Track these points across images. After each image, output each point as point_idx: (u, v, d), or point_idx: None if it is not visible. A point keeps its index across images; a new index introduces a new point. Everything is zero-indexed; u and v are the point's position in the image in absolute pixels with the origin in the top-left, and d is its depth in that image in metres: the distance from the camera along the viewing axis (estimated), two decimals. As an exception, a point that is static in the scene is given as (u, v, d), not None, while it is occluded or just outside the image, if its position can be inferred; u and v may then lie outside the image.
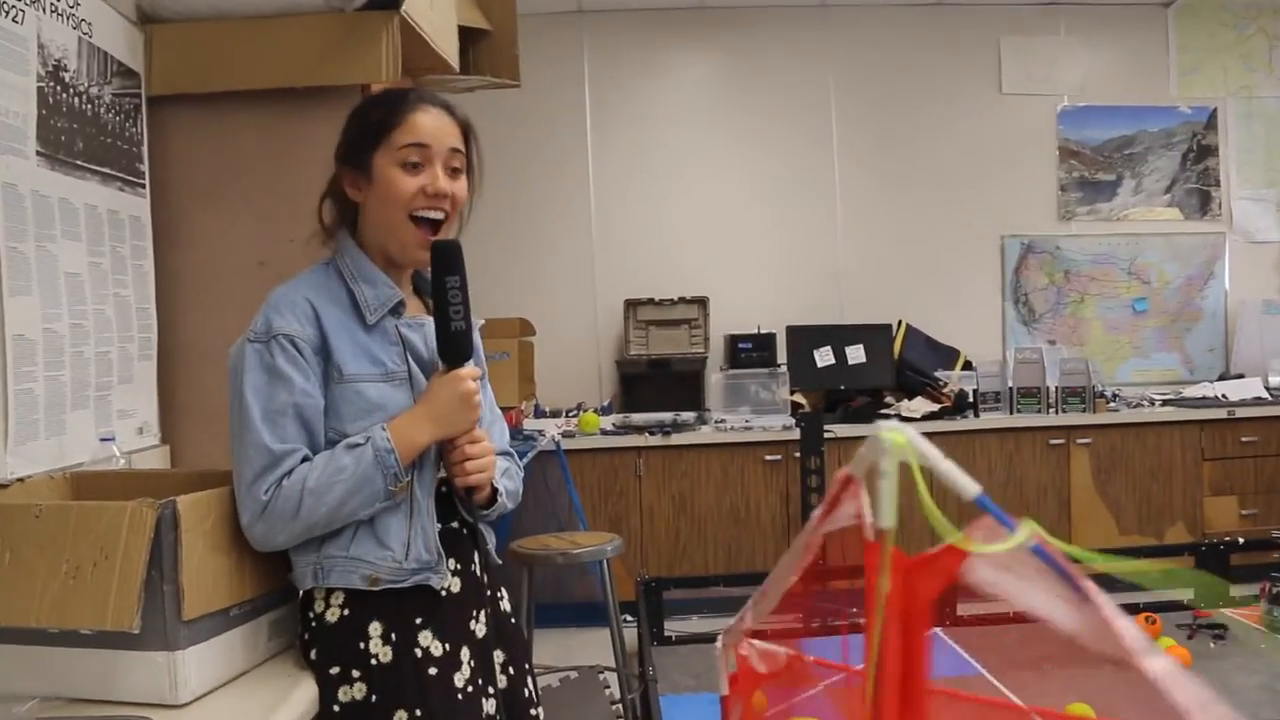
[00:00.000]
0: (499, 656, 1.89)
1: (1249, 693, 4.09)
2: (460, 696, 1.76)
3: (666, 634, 4.86)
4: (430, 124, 1.82)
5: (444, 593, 1.79)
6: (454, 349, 1.79)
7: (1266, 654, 4.54)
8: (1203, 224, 6.62)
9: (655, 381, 5.74)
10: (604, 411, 5.70)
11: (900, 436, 1.09)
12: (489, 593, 1.91)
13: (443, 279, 1.76)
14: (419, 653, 1.74)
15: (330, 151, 1.89)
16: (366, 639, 1.73)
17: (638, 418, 5.47)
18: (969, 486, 1.06)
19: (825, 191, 6.23)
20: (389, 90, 1.95)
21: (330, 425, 1.75)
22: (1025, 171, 6.41)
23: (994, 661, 4.23)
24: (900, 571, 1.13)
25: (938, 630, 4.73)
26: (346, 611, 1.74)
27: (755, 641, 1.83)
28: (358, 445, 1.71)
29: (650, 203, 6.12)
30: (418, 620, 1.76)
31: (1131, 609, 4.85)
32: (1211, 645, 4.67)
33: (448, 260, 1.78)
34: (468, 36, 3.70)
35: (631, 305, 5.92)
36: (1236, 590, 5.21)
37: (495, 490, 1.89)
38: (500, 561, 1.98)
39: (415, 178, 1.80)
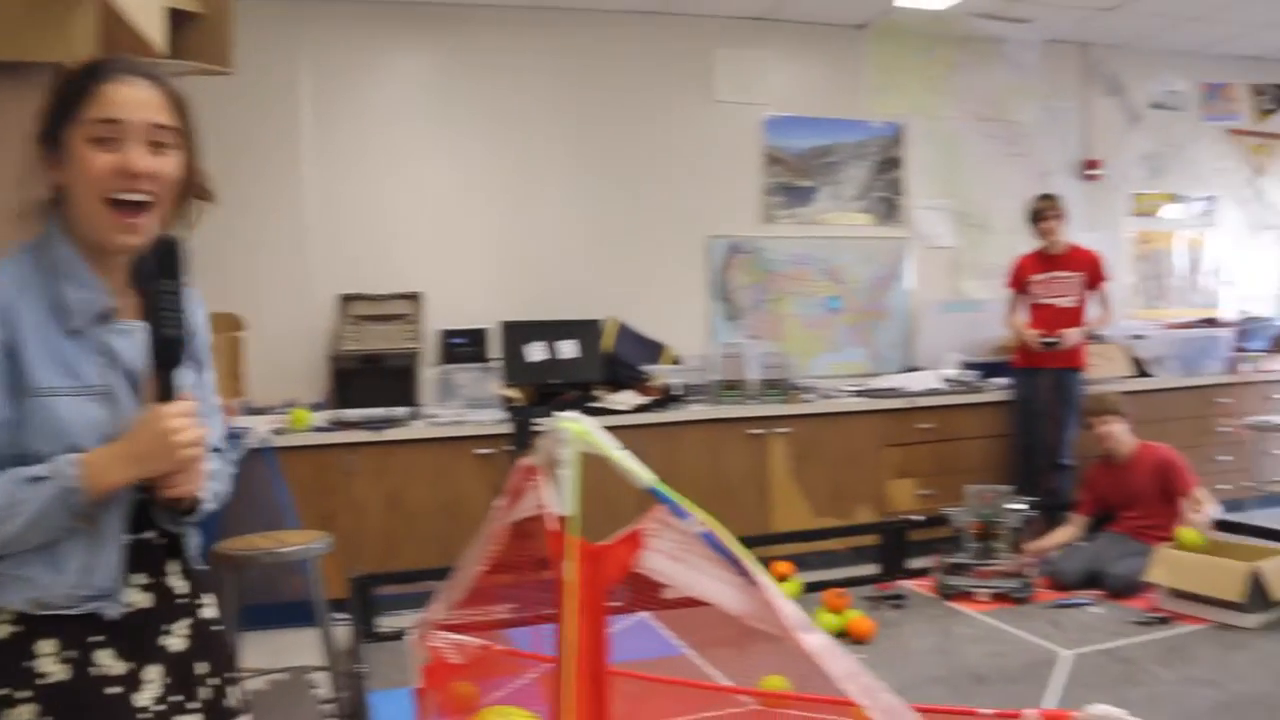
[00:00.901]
0: (202, 668, 1.78)
1: (924, 655, 4.46)
2: (142, 717, 1.65)
3: (378, 630, 4.84)
4: (126, 95, 1.63)
5: (128, 608, 1.66)
6: (165, 357, 1.64)
7: (939, 619, 4.95)
8: (890, 229, 7.14)
9: (368, 377, 5.65)
10: (316, 408, 5.60)
11: (578, 426, 1.16)
12: (189, 602, 1.79)
13: (154, 282, 1.64)
14: (96, 672, 1.62)
15: (22, 132, 1.70)
16: (36, 658, 1.58)
17: (350, 414, 5.40)
18: (644, 476, 1.15)
19: (541, 190, 6.33)
20: (90, 60, 1.75)
21: (18, 440, 1.58)
22: (732, 176, 6.72)
23: (698, 640, 4.43)
24: (583, 559, 1.21)
25: (645, 614, 4.91)
26: (18, 628, 1.60)
27: (446, 633, 1.87)
28: (41, 479, 1.55)
29: (366, 197, 6.04)
30: (97, 639, 1.63)
31: (822, 584, 5.20)
32: (892, 614, 5.05)
33: (161, 261, 1.65)
34: (177, 19, 3.56)
35: (345, 300, 5.84)
36: (914, 563, 5.66)
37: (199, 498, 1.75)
38: (204, 567, 1.86)
39: (108, 155, 1.61)
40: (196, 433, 1.64)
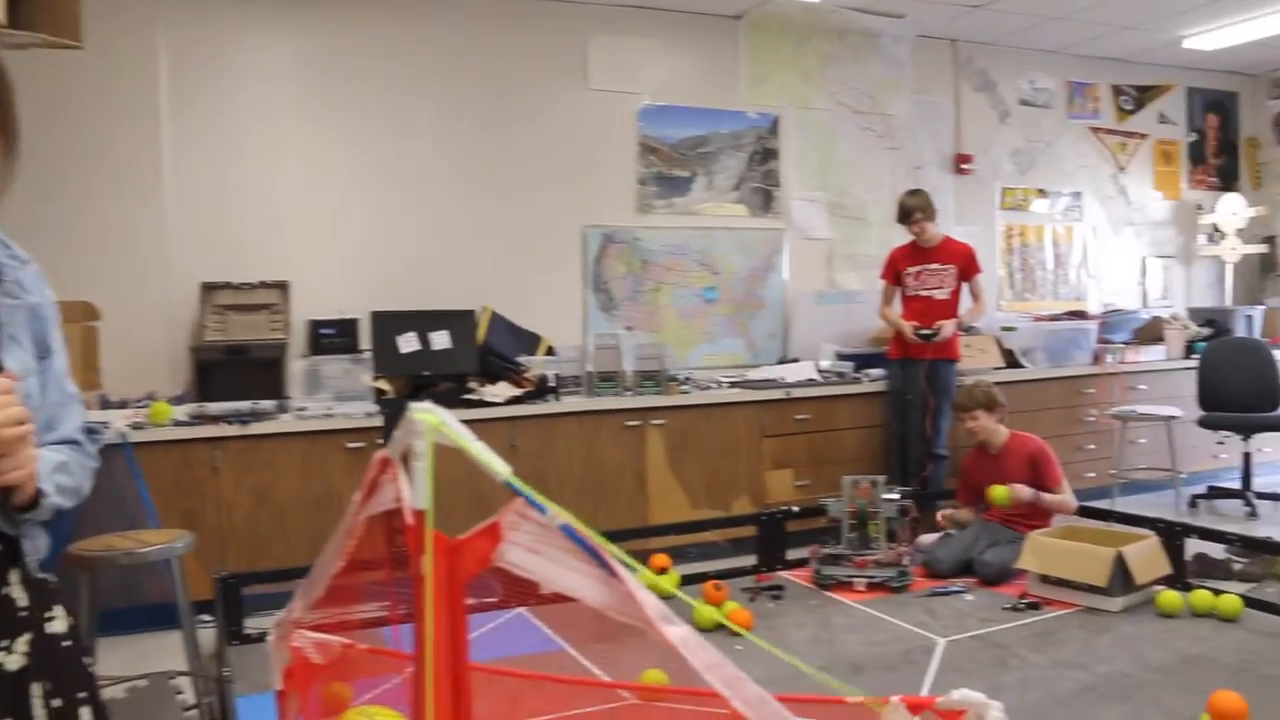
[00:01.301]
0: (41, 688, 1.60)
1: (801, 644, 4.48)
2: None
3: (247, 631, 4.68)
4: None
5: None
6: None
7: (816, 609, 4.99)
8: (766, 220, 7.16)
9: (233, 369, 5.45)
10: (177, 401, 5.38)
11: (433, 417, 1.10)
12: (31, 615, 1.61)
13: None
14: None
15: None
16: None
17: (214, 407, 5.20)
18: (500, 468, 1.09)
19: (413, 178, 6.18)
20: None
21: None
22: (608, 165, 6.66)
23: (576, 636, 4.38)
24: (441, 553, 1.15)
25: (522, 610, 4.85)
26: None
27: (308, 633, 1.80)
28: None
29: (230, 182, 5.80)
30: None
31: (701, 576, 5.19)
32: (771, 605, 5.07)
33: None
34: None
35: (208, 289, 5.62)
36: (792, 554, 5.70)
37: (41, 490, 1.57)
38: (49, 577, 1.68)
39: None
40: (16, 411, 1.46)
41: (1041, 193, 8.40)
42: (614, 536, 4.60)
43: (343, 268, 5.97)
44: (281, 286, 5.67)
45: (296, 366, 5.56)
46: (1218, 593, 4.79)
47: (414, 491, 1.14)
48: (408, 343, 5.80)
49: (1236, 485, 7.24)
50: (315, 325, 5.71)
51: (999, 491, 5.33)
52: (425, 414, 1.11)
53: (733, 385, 6.40)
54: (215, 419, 5.10)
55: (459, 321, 5.92)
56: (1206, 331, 8.18)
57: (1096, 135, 8.70)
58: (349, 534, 1.43)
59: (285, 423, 5.23)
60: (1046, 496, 5.52)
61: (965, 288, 6.46)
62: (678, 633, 1.14)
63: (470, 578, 1.17)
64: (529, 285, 6.39)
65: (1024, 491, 5.48)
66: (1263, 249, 9.02)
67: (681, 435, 5.98)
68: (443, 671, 1.18)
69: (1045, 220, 8.45)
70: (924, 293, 6.40)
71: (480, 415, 5.49)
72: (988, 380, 6.01)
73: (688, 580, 5.31)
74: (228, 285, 5.62)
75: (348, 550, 1.49)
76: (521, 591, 4.71)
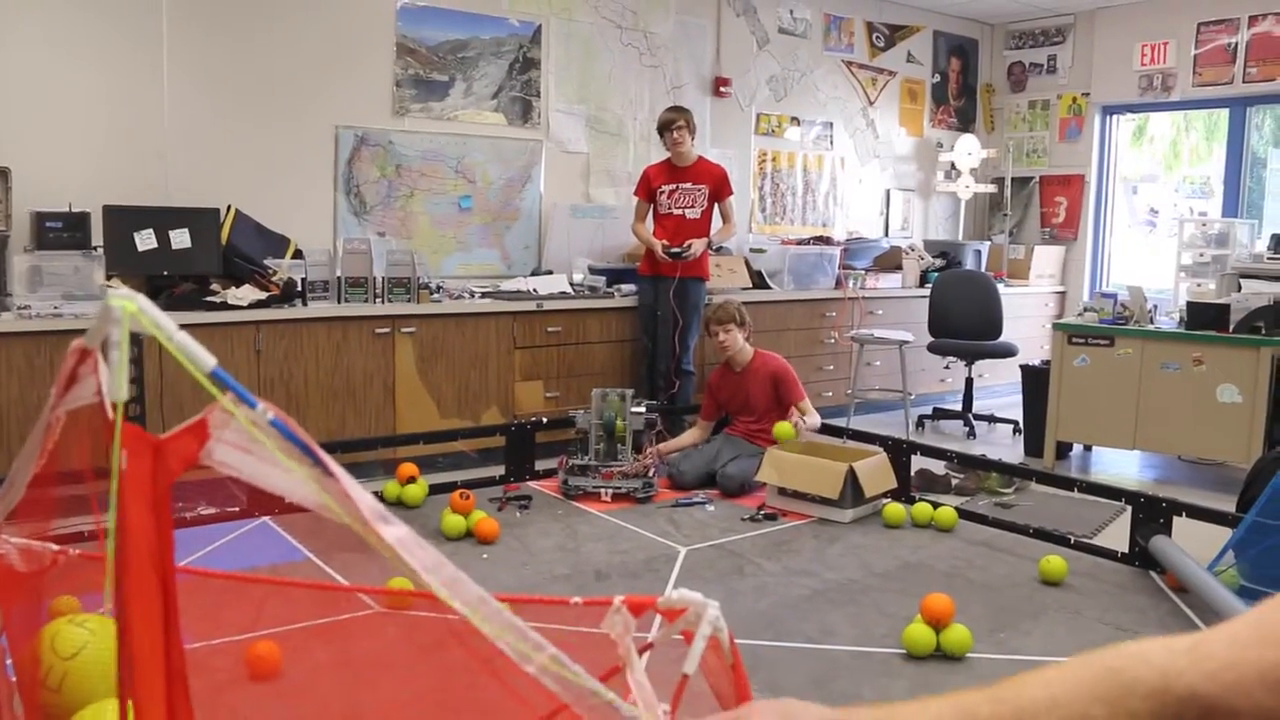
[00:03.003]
0: None
1: (548, 553, 4.56)
2: None
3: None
4: None
5: None
6: None
7: (564, 519, 5.07)
8: (524, 131, 7.08)
9: (-57, 261, 5.04)
10: (-122, 293, 4.93)
11: (131, 304, 1.04)
12: None
13: None
14: None
15: None
16: None
17: (-79, 302, 4.80)
18: (204, 359, 1.04)
19: (153, 66, 5.75)
20: None
21: None
22: (363, 65, 6.39)
23: (321, 546, 4.31)
24: (144, 451, 1.09)
25: (266, 519, 4.73)
26: None
27: (12, 539, 1.69)
28: None
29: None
30: None
31: (450, 486, 5.19)
32: (518, 514, 5.12)
33: None
34: None
35: (-87, 172, 5.15)
36: (540, 465, 5.76)
37: None
38: None
39: None
40: None
41: (795, 121, 8.63)
42: (362, 444, 4.58)
43: (72, 156, 5.54)
44: (2, 173, 5.23)
45: (19, 262, 5.16)
46: (936, 505, 5.14)
47: (111, 383, 1.08)
48: (145, 240, 5.47)
49: (958, 407, 7.73)
50: (40, 217, 5.30)
51: (784, 429, 5.46)
52: (122, 300, 1.04)
53: (485, 295, 6.35)
54: (-79, 314, 4.71)
55: (201, 220, 5.62)
56: (940, 263, 8.65)
57: (849, 69, 8.99)
58: (47, 429, 1.34)
59: (6, 321, 4.86)
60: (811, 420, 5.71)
61: (717, 208, 6.59)
62: (395, 532, 1.13)
63: (174, 478, 1.12)
64: (277, 185, 6.10)
65: (809, 423, 5.69)
66: (992, 189, 9.60)
67: (432, 344, 5.91)
68: (144, 577, 1.13)
69: (797, 148, 8.70)
70: (676, 211, 6.49)
71: (224, 319, 5.27)
72: (732, 299, 6.17)
73: (435, 490, 5.29)
74: (-64, 169, 5.15)
75: (46, 449, 1.40)
76: (265, 501, 4.59)
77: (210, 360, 1.05)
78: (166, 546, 1.18)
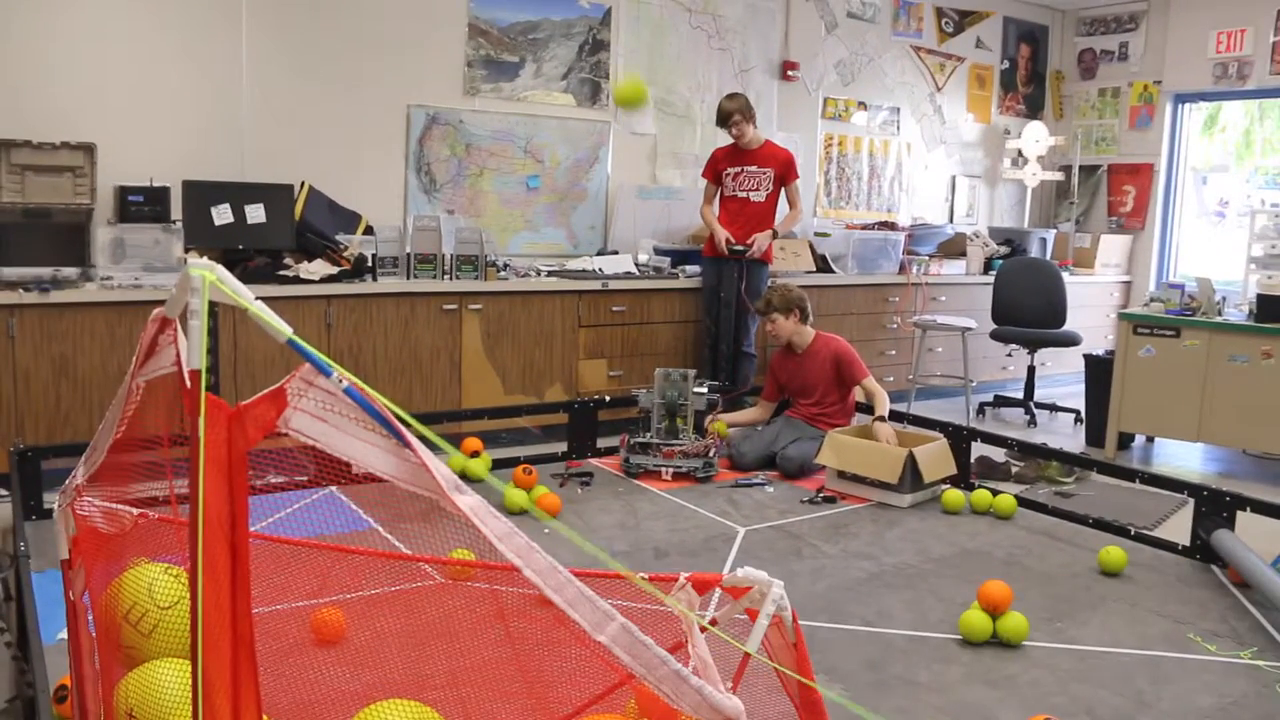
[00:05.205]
0: None
1: (608, 530, 4.62)
2: None
3: (46, 506, 4.53)
4: None
5: None
6: None
7: (624, 496, 5.12)
8: (592, 112, 7.12)
9: (32, 233, 5.17)
10: (-33, 262, 5.09)
11: (211, 274, 1.08)
12: None
13: None
14: None
15: None
16: None
17: (10, 272, 4.93)
18: (281, 328, 1.09)
19: (234, 45, 5.86)
20: None
21: None
22: (434, 45, 6.47)
23: (386, 516, 4.39)
24: (221, 419, 1.13)
25: (333, 489, 4.82)
26: None
27: (95, 501, 1.76)
28: None
29: (32, 35, 5.42)
30: None
31: (513, 461, 5.26)
32: (580, 491, 5.19)
33: None
34: None
35: (5, 146, 5.29)
36: (602, 442, 5.82)
37: None
38: None
39: None
40: None
41: (862, 105, 8.59)
42: (428, 419, 4.65)
43: (155, 134, 5.68)
44: (88, 149, 5.37)
45: (102, 234, 5.30)
46: (996, 493, 5.12)
47: (190, 351, 1.12)
48: (222, 215, 5.60)
49: (1020, 395, 7.68)
50: (124, 191, 5.44)
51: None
52: (202, 270, 1.09)
53: (551, 274, 6.41)
54: (12, 285, 4.85)
55: (276, 195, 5.74)
56: (1004, 250, 8.58)
57: (917, 54, 8.92)
58: (127, 397, 1.40)
59: (89, 292, 5.01)
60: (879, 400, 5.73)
61: (783, 192, 6.59)
62: (468, 501, 1.17)
63: (252, 445, 1.16)
64: (350, 162, 6.21)
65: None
66: (1059, 176, 9.48)
67: (498, 321, 5.99)
68: (218, 540, 1.17)
69: (864, 133, 8.66)
70: (741, 194, 6.50)
71: (296, 292, 5.38)
72: (790, 285, 6.17)
73: (499, 465, 5.37)
74: (27, 144, 5.29)
75: (127, 415, 1.46)
76: (333, 470, 4.67)
77: (287, 330, 1.10)
78: (241, 512, 1.23)
